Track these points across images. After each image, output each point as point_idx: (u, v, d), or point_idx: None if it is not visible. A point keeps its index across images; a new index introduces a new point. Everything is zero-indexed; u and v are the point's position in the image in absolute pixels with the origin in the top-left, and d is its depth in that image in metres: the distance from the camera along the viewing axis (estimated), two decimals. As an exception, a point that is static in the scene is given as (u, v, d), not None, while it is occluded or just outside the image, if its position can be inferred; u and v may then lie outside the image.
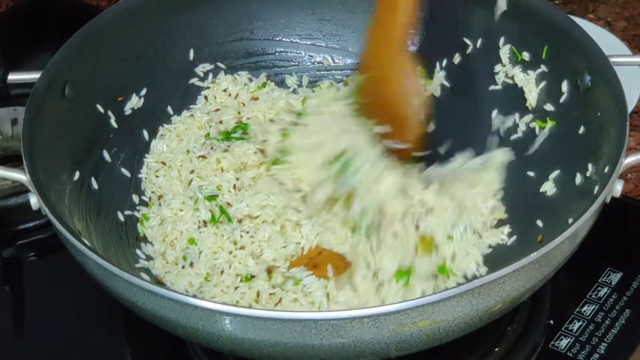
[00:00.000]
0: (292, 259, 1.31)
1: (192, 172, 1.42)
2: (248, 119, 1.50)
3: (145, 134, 1.47)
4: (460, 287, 1.09)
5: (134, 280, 1.12)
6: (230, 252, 1.32)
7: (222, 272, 1.30)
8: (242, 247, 1.33)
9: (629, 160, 1.22)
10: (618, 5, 1.82)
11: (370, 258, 1.29)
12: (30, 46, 1.78)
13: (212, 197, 1.38)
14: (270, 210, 1.35)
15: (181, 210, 1.38)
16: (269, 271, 1.30)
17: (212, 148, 1.44)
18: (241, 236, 1.33)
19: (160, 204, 1.40)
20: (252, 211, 1.35)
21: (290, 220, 1.34)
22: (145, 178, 1.44)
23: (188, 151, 1.44)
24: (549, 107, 1.41)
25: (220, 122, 1.49)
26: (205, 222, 1.35)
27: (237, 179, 1.40)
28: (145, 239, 1.38)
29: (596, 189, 1.22)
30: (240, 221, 1.35)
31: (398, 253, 1.28)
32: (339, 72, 1.57)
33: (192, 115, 1.50)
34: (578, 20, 1.59)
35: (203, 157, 1.42)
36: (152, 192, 1.43)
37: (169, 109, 1.50)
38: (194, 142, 1.46)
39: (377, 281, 1.27)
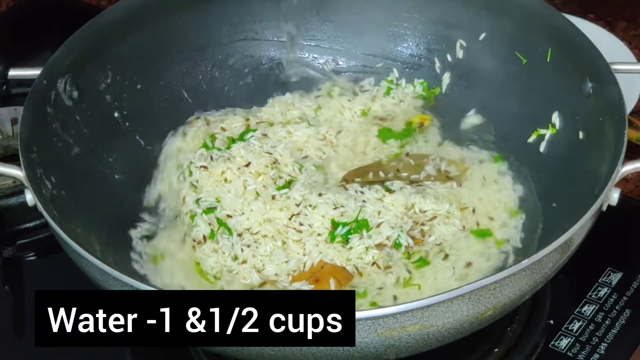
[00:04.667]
0: (294, 274, 1.30)
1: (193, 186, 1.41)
2: (257, 123, 1.49)
3: (146, 134, 1.47)
4: (450, 292, 1.09)
5: (122, 277, 1.12)
6: (231, 272, 1.31)
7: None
8: (244, 262, 1.32)
9: (626, 168, 1.21)
10: (618, 5, 1.81)
11: (375, 276, 1.29)
12: (30, 46, 1.78)
13: (210, 210, 1.36)
14: (269, 226, 1.33)
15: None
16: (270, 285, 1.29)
17: (212, 158, 1.42)
18: (242, 250, 1.32)
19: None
20: (253, 225, 1.34)
21: (292, 239, 1.33)
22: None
23: (191, 162, 1.43)
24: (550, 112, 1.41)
25: (224, 129, 1.48)
26: (204, 237, 1.35)
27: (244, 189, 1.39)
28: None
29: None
30: (240, 235, 1.34)
31: (402, 269, 1.29)
32: (343, 74, 1.57)
33: (197, 117, 1.50)
34: (578, 20, 1.59)
35: (204, 167, 1.41)
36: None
37: (172, 109, 1.50)
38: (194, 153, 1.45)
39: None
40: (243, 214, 1.35)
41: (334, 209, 1.34)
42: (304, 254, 1.31)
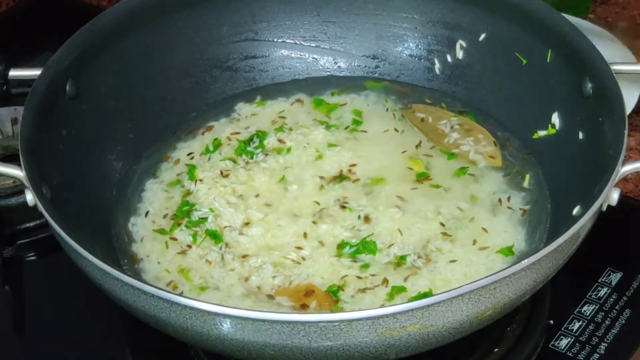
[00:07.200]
0: (279, 288, 1.28)
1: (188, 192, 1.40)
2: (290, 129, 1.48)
3: (147, 135, 1.47)
4: (450, 292, 1.08)
5: (124, 278, 1.12)
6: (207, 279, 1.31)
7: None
8: (231, 270, 1.30)
9: (626, 168, 1.21)
10: (618, 5, 1.82)
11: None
12: (30, 46, 1.78)
13: (201, 220, 1.35)
14: (265, 252, 1.32)
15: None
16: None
17: (222, 173, 1.40)
18: (232, 259, 1.31)
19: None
20: (249, 249, 1.32)
21: (289, 259, 1.31)
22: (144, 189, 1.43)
23: (194, 166, 1.42)
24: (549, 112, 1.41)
25: (236, 133, 1.48)
26: (188, 245, 1.34)
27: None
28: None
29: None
30: (227, 245, 1.33)
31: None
32: (343, 74, 1.57)
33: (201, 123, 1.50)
34: (578, 20, 1.59)
35: (200, 179, 1.40)
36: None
37: (172, 110, 1.50)
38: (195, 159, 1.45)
39: None
40: (242, 233, 1.34)
41: (351, 229, 1.33)
42: (295, 274, 1.29)
